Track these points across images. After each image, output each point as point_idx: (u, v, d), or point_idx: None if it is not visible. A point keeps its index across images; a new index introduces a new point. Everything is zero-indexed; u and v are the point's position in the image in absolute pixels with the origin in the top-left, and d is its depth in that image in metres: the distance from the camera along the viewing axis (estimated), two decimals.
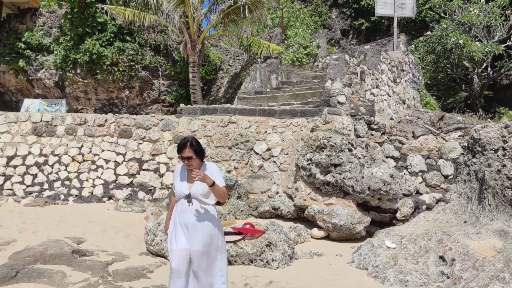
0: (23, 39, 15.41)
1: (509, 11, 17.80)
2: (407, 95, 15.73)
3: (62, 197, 9.87)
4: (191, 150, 3.88)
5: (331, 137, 8.21)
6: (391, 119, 13.11)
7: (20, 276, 4.95)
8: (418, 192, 8.34)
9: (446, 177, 8.47)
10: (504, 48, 16.86)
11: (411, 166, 8.72)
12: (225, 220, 8.13)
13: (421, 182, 8.53)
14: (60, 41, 15.55)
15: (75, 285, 4.71)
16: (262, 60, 15.34)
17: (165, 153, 10.45)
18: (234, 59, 17.44)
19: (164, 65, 16.33)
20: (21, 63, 15.43)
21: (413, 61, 17.53)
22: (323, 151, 8.19)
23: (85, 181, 10.15)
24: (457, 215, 7.50)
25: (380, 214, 7.93)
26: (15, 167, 10.23)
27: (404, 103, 15.18)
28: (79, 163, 10.36)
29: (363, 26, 23.49)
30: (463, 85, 19.10)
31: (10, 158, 10.31)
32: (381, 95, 13.24)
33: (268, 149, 10.10)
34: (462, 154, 8.39)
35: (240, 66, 16.89)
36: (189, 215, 3.93)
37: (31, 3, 16.49)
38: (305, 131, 10.02)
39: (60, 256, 5.70)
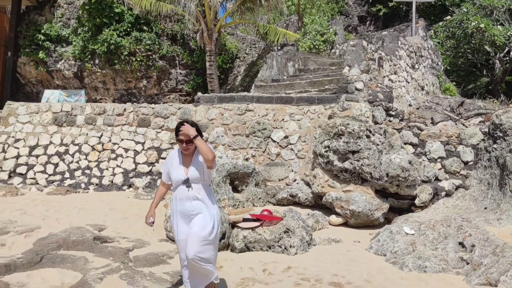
0: (42, 31, 15.62)
1: None
2: (426, 81, 15.51)
3: (83, 185, 10.05)
4: (194, 129, 3.79)
5: (348, 124, 8.17)
6: (410, 105, 12.97)
7: (44, 261, 5.09)
8: (437, 179, 8.27)
9: (466, 163, 8.37)
10: None
11: (430, 153, 8.63)
12: (243, 207, 8.18)
13: (440, 169, 8.45)
14: (78, 32, 15.72)
15: (97, 270, 4.82)
16: (279, 47, 15.28)
17: None
18: (250, 47, 17.40)
19: (181, 55, 16.38)
20: (41, 54, 15.66)
21: (432, 47, 17.24)
22: (340, 138, 8.16)
23: (105, 169, 10.31)
24: (477, 201, 7.41)
25: (399, 201, 7.88)
26: (37, 156, 10.45)
27: (422, 89, 14.98)
28: (99, 152, 10.52)
29: (381, 12, 23.17)
30: (484, 71, 18.75)
31: (32, 148, 10.53)
32: (399, 81, 13.09)
33: (286, 137, 10.10)
34: (483, 140, 8.26)
35: (256, 54, 16.85)
36: (189, 201, 3.84)
37: None
38: (322, 118, 9.98)
39: (82, 243, 5.83)
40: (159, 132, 10.68)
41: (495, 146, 7.59)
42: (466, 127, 9.35)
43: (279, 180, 9.68)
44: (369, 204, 7.45)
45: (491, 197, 7.22)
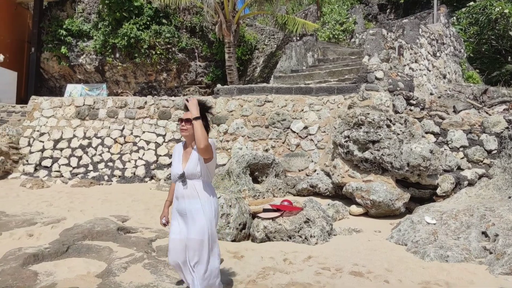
0: (64, 26, 15.89)
1: None
2: (448, 69, 15.24)
3: (106, 177, 10.25)
4: (197, 108, 3.38)
5: (368, 114, 8.11)
6: (431, 94, 12.77)
7: (70, 251, 5.23)
8: (459, 168, 8.16)
9: (489, 152, 8.23)
10: None
11: (452, 142, 8.52)
12: (263, 198, 8.23)
13: (462, 158, 8.33)
14: (99, 27, 15.93)
15: (121, 260, 4.93)
16: (298, 38, 15.19)
17: None
18: (269, 38, 17.35)
19: (200, 47, 16.45)
20: (63, 49, 15.95)
21: (454, 34, 16.90)
22: (361, 128, 8.11)
23: (127, 162, 10.48)
24: (501, 190, 7.30)
25: (420, 191, 7.82)
26: (61, 149, 10.68)
27: (444, 77, 14.73)
28: (121, 144, 10.69)
29: (401, 0, 22.77)
30: (509, 57, 18.30)
31: (56, 141, 10.77)
32: (420, 69, 12.90)
33: (305, 127, 10.09)
34: (507, 128, 8.11)
35: (275, 45, 16.79)
36: (183, 199, 3.47)
37: None
38: (342, 108, 9.93)
39: (106, 233, 5.96)
40: None
41: None
42: (490, 115, 9.18)
43: (299, 171, 9.69)
44: (389, 194, 7.41)
45: None
